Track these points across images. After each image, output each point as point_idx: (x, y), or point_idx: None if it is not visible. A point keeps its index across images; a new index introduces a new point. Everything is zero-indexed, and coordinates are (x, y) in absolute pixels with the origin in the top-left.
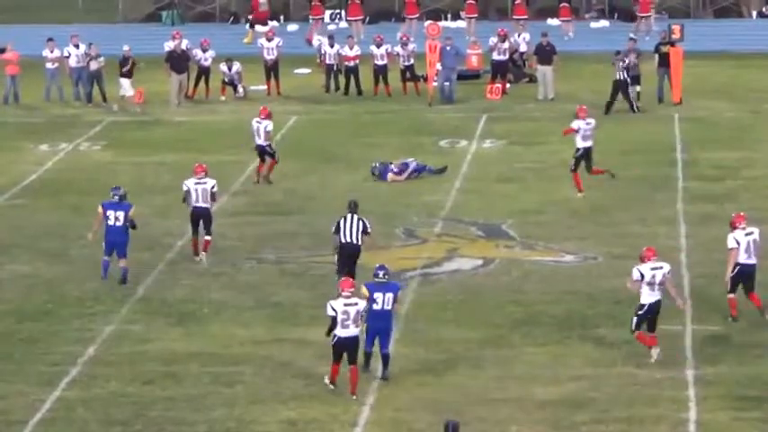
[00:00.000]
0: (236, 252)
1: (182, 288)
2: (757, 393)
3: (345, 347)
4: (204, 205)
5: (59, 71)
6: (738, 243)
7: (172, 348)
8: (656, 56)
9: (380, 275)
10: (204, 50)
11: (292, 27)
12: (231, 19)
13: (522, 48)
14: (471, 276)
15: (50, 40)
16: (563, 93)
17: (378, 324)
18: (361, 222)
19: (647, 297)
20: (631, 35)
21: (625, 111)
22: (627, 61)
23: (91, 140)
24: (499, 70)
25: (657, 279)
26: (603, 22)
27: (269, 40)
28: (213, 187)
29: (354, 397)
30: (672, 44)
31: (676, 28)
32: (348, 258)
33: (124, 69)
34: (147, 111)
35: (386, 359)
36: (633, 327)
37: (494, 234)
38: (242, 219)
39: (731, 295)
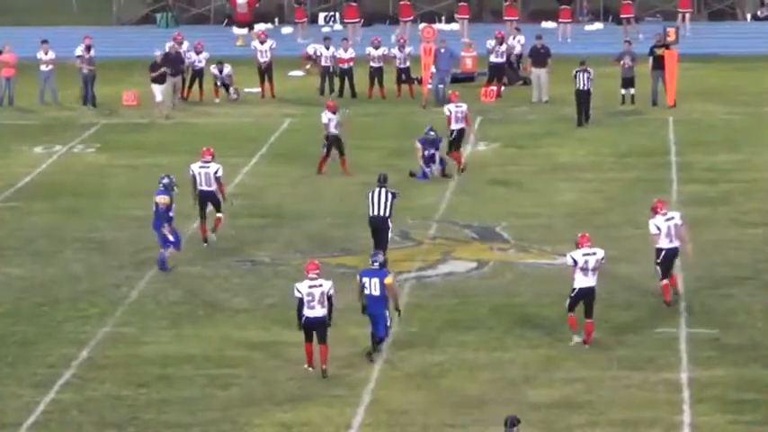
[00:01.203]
0: (231, 254)
1: (176, 290)
2: (752, 396)
3: (313, 327)
4: (209, 188)
5: (53, 73)
6: (659, 229)
7: (166, 351)
8: (651, 58)
9: (370, 261)
10: (198, 53)
11: (286, 30)
12: (225, 22)
13: (517, 50)
14: (465, 279)
15: (45, 42)
16: (557, 95)
17: (370, 308)
18: (389, 194)
19: (579, 282)
20: (627, 38)
21: (621, 114)
22: (590, 72)
23: (85, 143)
24: (496, 73)
25: (590, 265)
26: (598, 25)
27: (262, 42)
28: (217, 172)
29: (324, 368)
30: (666, 47)
31: (671, 30)
32: (375, 231)
33: (155, 75)
34: (172, 116)
35: (374, 340)
36: (567, 308)
37: (488, 236)
38: (237, 221)
39: (665, 281)
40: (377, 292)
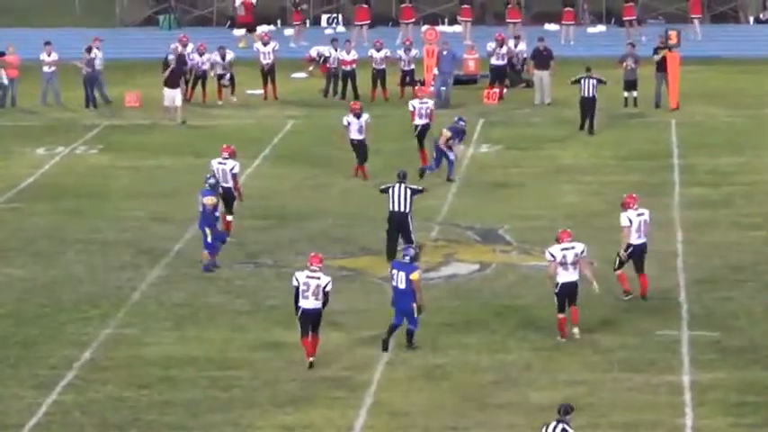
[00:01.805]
0: (234, 256)
1: (178, 292)
2: (754, 399)
3: (308, 318)
4: (227, 185)
5: (56, 74)
6: (631, 222)
7: (168, 352)
8: (655, 61)
9: (401, 255)
10: (201, 54)
11: (289, 32)
12: (228, 23)
13: (519, 49)
14: (467, 281)
15: (47, 43)
16: (559, 98)
17: (396, 300)
18: (408, 190)
19: (561, 277)
20: (630, 40)
21: (624, 116)
22: (594, 79)
23: (88, 144)
24: (498, 75)
25: (569, 259)
26: (600, 27)
27: (265, 44)
28: (232, 169)
29: (311, 360)
30: (669, 49)
31: (673, 33)
32: (397, 225)
33: (166, 77)
34: (184, 118)
35: (407, 334)
36: (557, 308)
37: (490, 239)
38: (239, 222)
39: (619, 271)
40: (402, 286)
